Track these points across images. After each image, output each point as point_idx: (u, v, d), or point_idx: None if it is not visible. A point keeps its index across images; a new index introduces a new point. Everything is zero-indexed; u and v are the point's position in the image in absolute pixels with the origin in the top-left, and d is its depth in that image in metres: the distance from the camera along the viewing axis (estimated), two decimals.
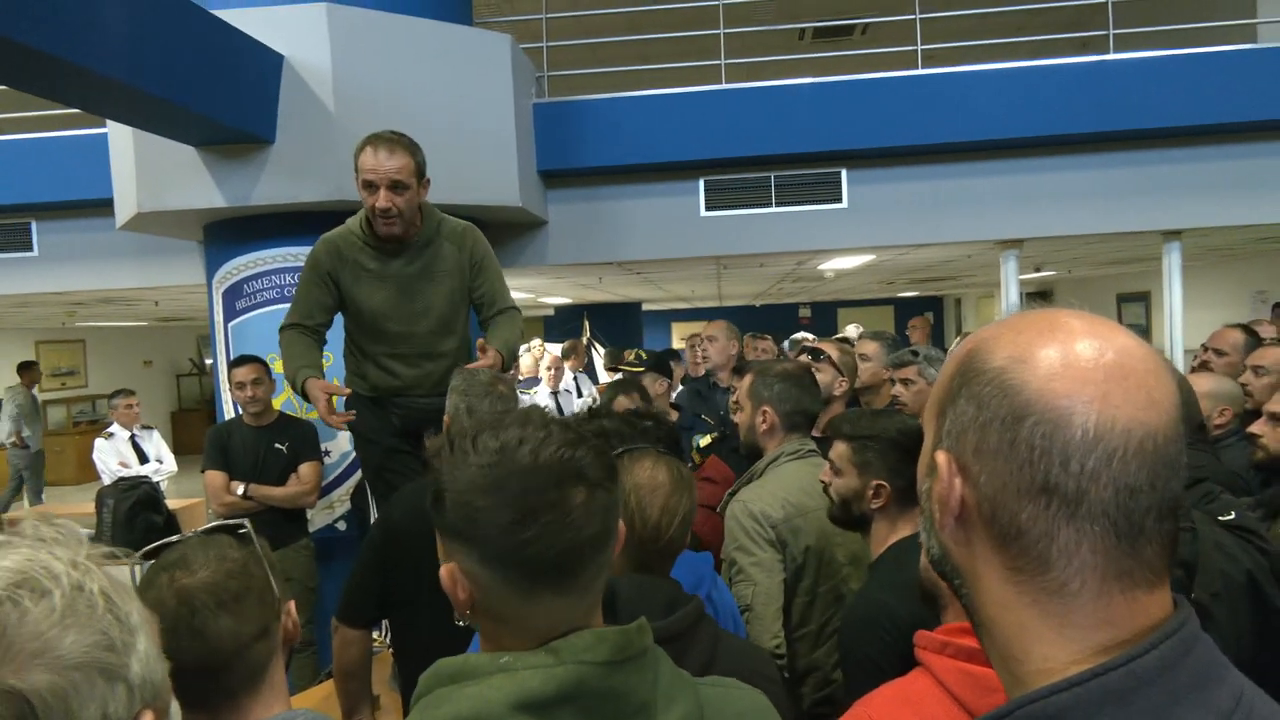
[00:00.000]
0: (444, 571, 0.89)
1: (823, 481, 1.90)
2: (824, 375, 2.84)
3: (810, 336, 5.90)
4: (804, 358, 2.90)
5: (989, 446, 0.61)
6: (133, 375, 12.70)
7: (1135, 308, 10.88)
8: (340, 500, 4.05)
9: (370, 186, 2.57)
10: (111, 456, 5.88)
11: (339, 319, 2.93)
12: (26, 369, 9.56)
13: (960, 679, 0.99)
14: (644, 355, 3.91)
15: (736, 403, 2.92)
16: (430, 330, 2.83)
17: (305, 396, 2.68)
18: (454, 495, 0.86)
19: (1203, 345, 3.53)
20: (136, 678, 0.67)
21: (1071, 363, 0.60)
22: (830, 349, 2.89)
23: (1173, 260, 5.11)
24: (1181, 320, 5.15)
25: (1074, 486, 0.58)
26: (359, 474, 3.98)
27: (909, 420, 1.82)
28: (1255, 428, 2.46)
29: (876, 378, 3.34)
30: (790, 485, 2.22)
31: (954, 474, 0.63)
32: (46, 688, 0.60)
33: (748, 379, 2.43)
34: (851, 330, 5.75)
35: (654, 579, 1.43)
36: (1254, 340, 3.32)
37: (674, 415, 3.86)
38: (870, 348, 3.33)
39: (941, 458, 0.64)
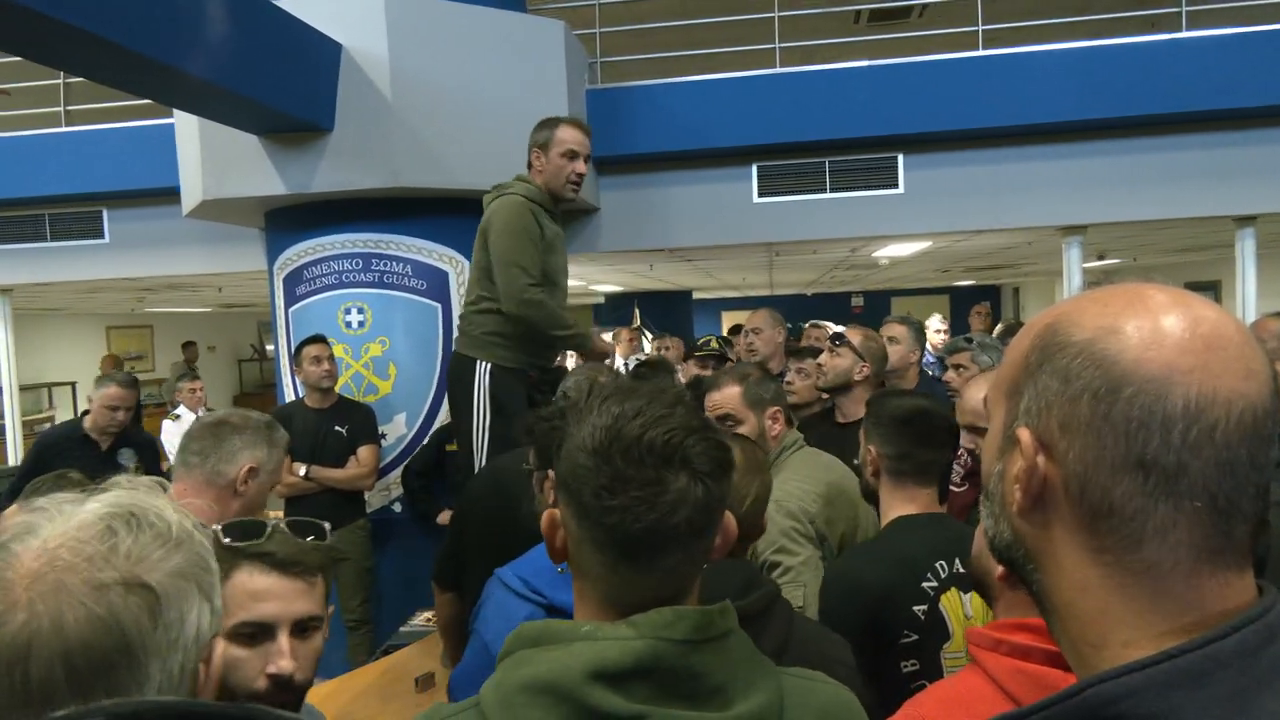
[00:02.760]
0: (546, 515, 0.92)
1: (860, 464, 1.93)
2: (843, 360, 2.84)
3: (831, 325, 5.87)
4: (825, 343, 2.90)
5: (1080, 420, 0.58)
6: (197, 360, 13.09)
7: (1204, 296, 10.51)
8: (396, 482, 4.13)
9: (574, 156, 3.03)
10: (178, 438, 6.06)
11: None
12: (110, 358, 9.93)
13: (1015, 677, 0.97)
14: (714, 341, 3.92)
15: (789, 383, 2.95)
16: (566, 286, 3.22)
17: (579, 348, 3.11)
18: (568, 448, 0.89)
19: None
20: (216, 604, 0.81)
21: (1168, 333, 0.57)
22: (854, 334, 2.88)
23: (1246, 247, 4.92)
24: (1255, 310, 4.95)
25: (1174, 460, 0.55)
26: (411, 456, 4.07)
27: (921, 400, 1.87)
28: None
29: (904, 361, 3.33)
30: (808, 475, 2.23)
31: (1038, 451, 0.61)
32: (168, 586, 0.75)
33: (739, 386, 2.35)
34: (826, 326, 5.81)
35: (731, 560, 1.44)
36: None
37: None
38: (898, 331, 3.31)
39: (1025, 434, 0.61)
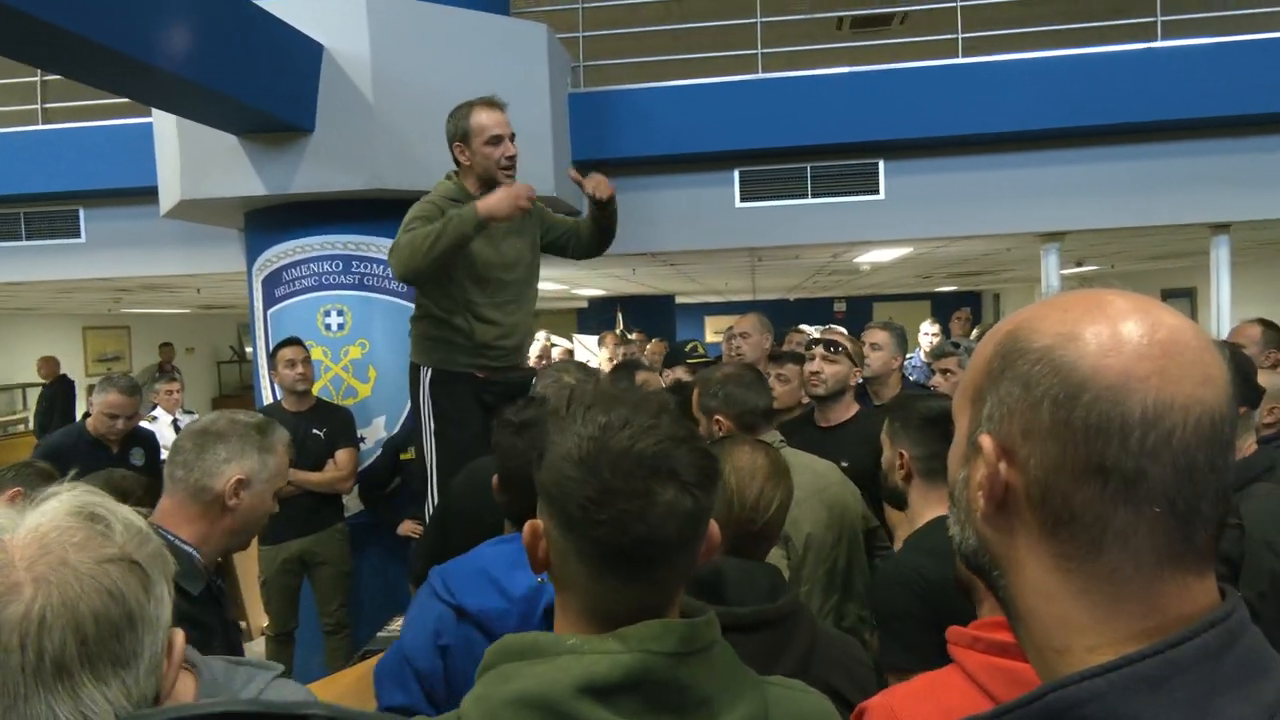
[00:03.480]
0: (528, 526, 0.91)
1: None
2: (840, 367, 2.84)
3: (805, 328, 5.88)
4: (818, 350, 2.88)
5: (1040, 427, 0.59)
6: (175, 361, 12.96)
7: (1180, 303, 10.63)
8: None
9: (498, 140, 2.84)
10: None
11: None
12: (47, 361, 9.73)
13: (992, 674, 0.97)
14: (700, 347, 3.92)
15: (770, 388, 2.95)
16: (519, 279, 3.05)
17: (479, 224, 2.68)
18: (550, 457, 0.87)
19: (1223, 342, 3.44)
20: (173, 591, 0.85)
21: (1126, 339, 0.58)
22: (850, 342, 2.89)
23: (1220, 254, 4.99)
24: (1230, 317, 5.02)
25: (1133, 466, 0.56)
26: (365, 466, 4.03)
27: (941, 399, 1.85)
28: None
29: (887, 367, 3.32)
30: None
31: (1000, 458, 0.61)
32: (149, 566, 0.82)
33: (695, 393, 2.43)
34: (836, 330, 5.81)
35: (758, 563, 1.44)
36: (1275, 334, 3.24)
37: None
38: (880, 337, 3.30)
39: (987, 441, 0.62)
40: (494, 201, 2.67)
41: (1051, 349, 0.59)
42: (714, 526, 0.91)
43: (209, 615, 1.64)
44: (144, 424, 6.10)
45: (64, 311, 11.63)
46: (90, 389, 4.08)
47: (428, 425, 2.99)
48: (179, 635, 0.85)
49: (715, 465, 0.90)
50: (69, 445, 3.91)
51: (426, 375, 2.98)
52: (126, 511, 0.85)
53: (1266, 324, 3.29)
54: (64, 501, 0.82)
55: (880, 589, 1.76)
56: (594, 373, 2.36)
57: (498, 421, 1.91)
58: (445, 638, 1.52)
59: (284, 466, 1.74)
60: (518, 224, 2.96)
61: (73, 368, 12.23)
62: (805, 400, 3.13)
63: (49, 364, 9.38)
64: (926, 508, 1.80)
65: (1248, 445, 1.79)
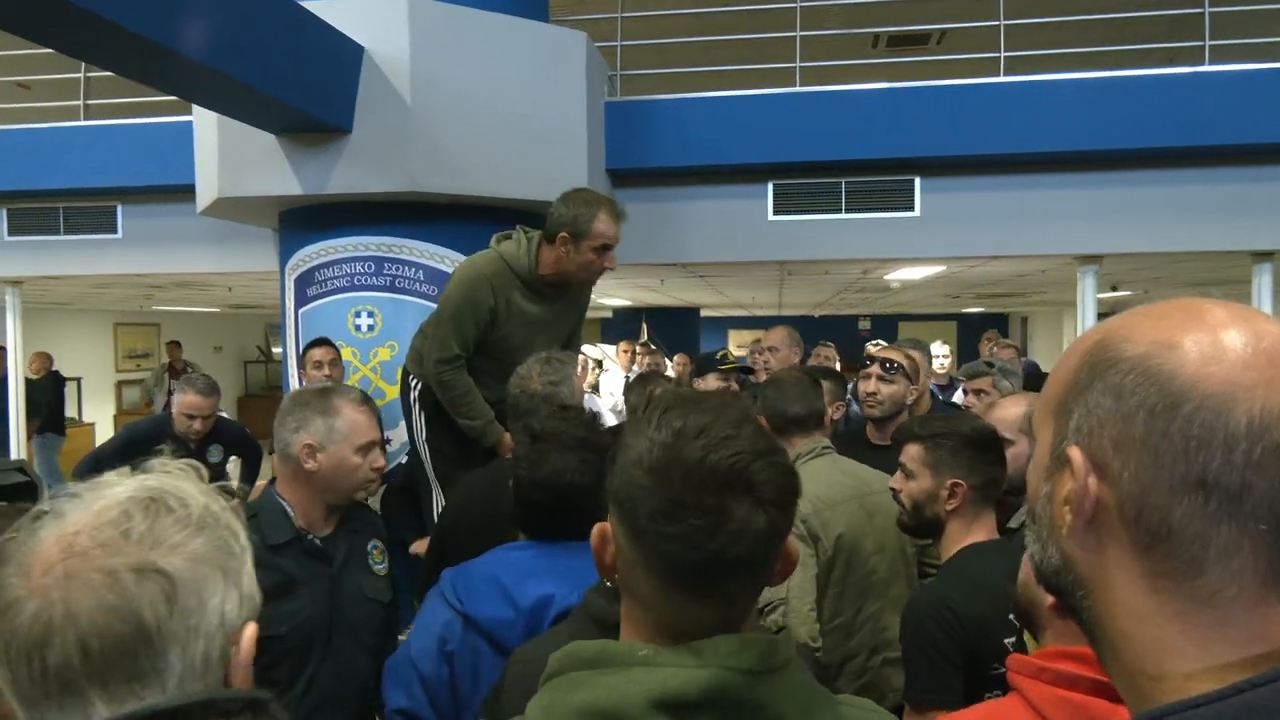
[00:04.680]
0: (597, 530, 0.88)
1: (893, 489, 1.86)
2: (896, 387, 2.79)
3: (881, 342, 5.82)
4: (874, 369, 2.84)
5: (1135, 438, 0.55)
6: (203, 360, 13.08)
7: (1265, 313, 10.47)
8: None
9: (606, 250, 2.75)
10: None
11: None
12: (40, 356, 9.87)
13: (1058, 706, 0.93)
14: (729, 355, 3.88)
15: None
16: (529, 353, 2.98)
17: (493, 446, 2.80)
18: (622, 462, 0.83)
19: None
20: (246, 589, 0.80)
21: (1229, 348, 0.54)
22: (898, 357, 2.83)
23: (1263, 282, 4.88)
24: None
25: (1238, 481, 0.52)
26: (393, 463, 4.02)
27: (979, 420, 1.79)
28: None
29: (922, 387, 3.26)
30: (814, 481, 2.21)
31: (1089, 472, 0.58)
32: (185, 571, 0.75)
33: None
34: (873, 348, 5.66)
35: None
36: None
37: None
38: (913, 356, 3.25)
39: (1076, 454, 0.58)
40: (504, 450, 2.69)
41: (1148, 357, 0.56)
42: (792, 543, 0.86)
43: (292, 563, 1.83)
44: None
45: (96, 308, 11.80)
46: (119, 385, 4.12)
47: (420, 434, 3.00)
48: (250, 630, 0.79)
49: (795, 482, 0.85)
50: (148, 435, 3.97)
51: (417, 386, 2.98)
52: (199, 497, 0.80)
53: None
54: (129, 487, 0.78)
55: (908, 620, 1.71)
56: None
57: (516, 429, 1.93)
58: (451, 644, 1.54)
59: (359, 422, 1.89)
60: (565, 313, 2.96)
61: (104, 363, 12.40)
62: (835, 417, 3.08)
63: (41, 359, 9.46)
64: (966, 535, 1.75)
65: None
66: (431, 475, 3.02)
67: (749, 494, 0.80)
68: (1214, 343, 0.55)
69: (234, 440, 4.35)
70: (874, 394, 2.82)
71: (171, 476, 0.82)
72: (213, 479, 0.86)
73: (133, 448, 3.85)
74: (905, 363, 2.78)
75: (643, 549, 0.81)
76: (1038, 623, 1.19)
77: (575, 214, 2.70)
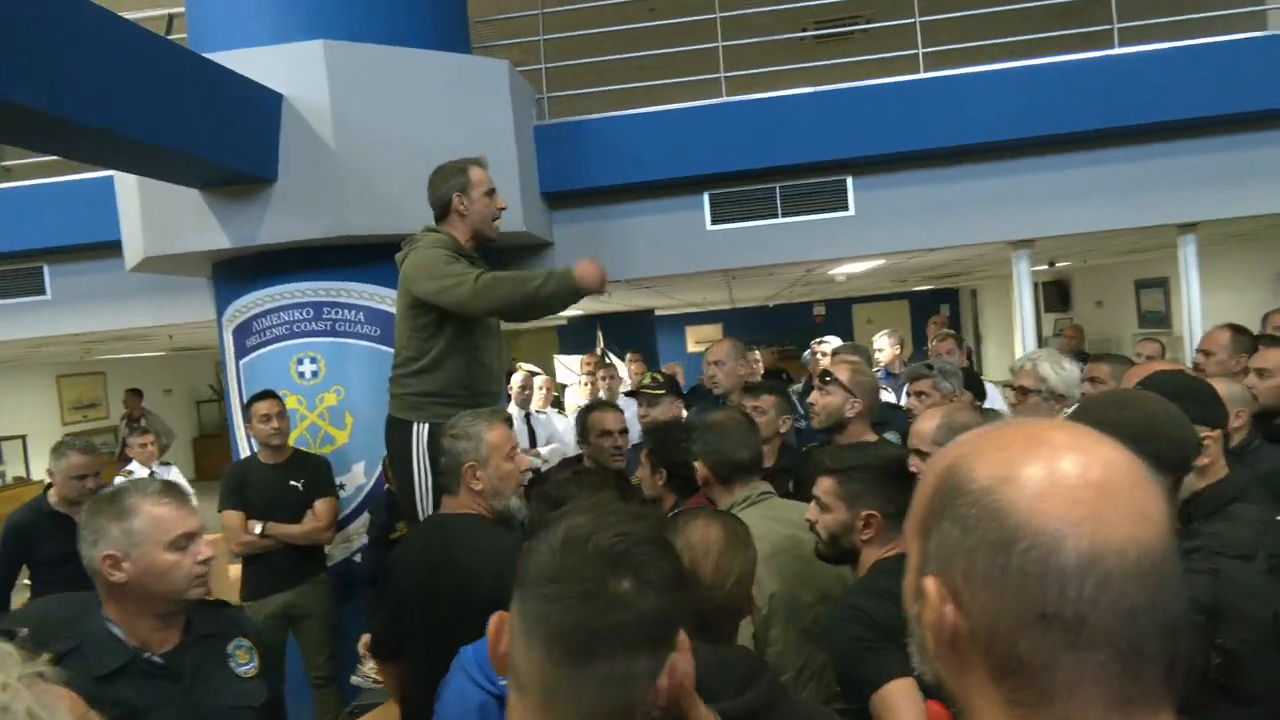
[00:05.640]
0: (495, 618, 0.93)
1: (809, 520, 1.88)
2: (833, 399, 2.82)
3: (832, 339, 5.85)
4: (817, 380, 2.88)
5: (979, 573, 0.58)
6: (154, 404, 12.78)
7: (1154, 293, 10.72)
8: (357, 533, 4.05)
9: (493, 192, 3.05)
10: None
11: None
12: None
13: None
14: (659, 377, 3.86)
15: None
16: (497, 326, 3.17)
17: (574, 293, 2.77)
18: (526, 550, 0.92)
19: (1198, 349, 3.45)
20: None
21: (1059, 481, 0.57)
22: (841, 370, 2.85)
23: (1188, 252, 5.04)
24: (1200, 311, 5.07)
25: (1073, 613, 0.55)
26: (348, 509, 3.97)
27: (892, 449, 1.82)
28: None
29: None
30: None
31: (945, 601, 0.60)
32: None
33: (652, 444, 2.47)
34: (830, 343, 5.73)
35: (733, 651, 1.42)
36: (1245, 339, 3.25)
37: None
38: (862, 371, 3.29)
39: (931, 585, 0.61)
40: (591, 277, 2.74)
41: (988, 491, 0.59)
42: (679, 662, 0.88)
43: (130, 691, 1.63)
44: (119, 478, 6.04)
45: (37, 362, 11.48)
46: (59, 444, 3.94)
47: (423, 481, 2.92)
48: None
49: (678, 570, 0.90)
50: (29, 522, 3.82)
51: (422, 430, 2.91)
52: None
53: (1236, 329, 3.31)
54: None
55: (831, 640, 1.75)
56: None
57: (534, 493, 1.96)
58: None
59: (161, 516, 1.70)
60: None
61: (49, 417, 12.07)
62: (783, 430, 3.12)
63: None
64: (875, 557, 1.78)
65: (1217, 468, 1.78)
66: None
67: (633, 574, 0.86)
68: (1048, 476, 0.57)
69: None
70: (812, 404, 2.90)
71: None
72: None
73: (18, 540, 3.77)
74: (846, 375, 2.81)
75: (526, 621, 0.87)
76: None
77: (451, 180, 3.01)
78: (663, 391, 3.73)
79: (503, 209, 3.09)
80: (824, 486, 1.84)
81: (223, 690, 1.75)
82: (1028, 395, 2.86)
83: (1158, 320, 10.19)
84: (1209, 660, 1.28)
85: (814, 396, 2.87)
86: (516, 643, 0.88)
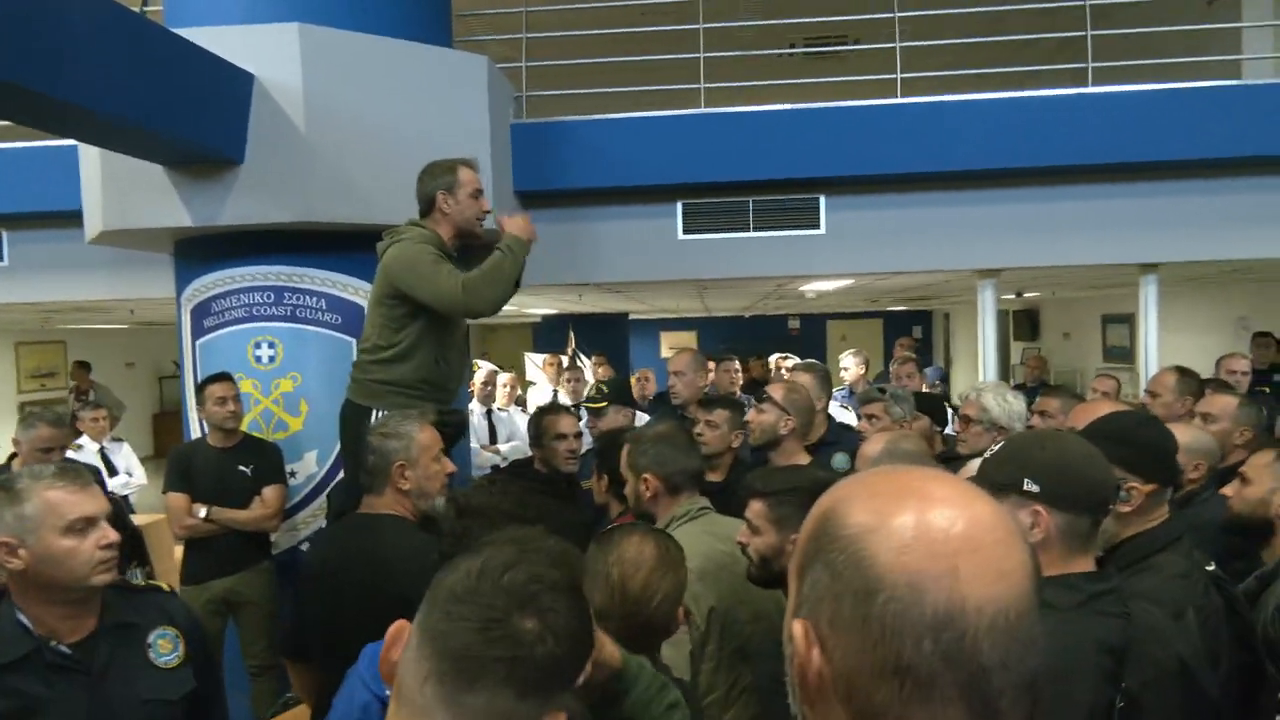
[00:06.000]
0: (396, 625, 0.94)
1: (740, 542, 1.89)
2: (767, 417, 2.86)
3: (792, 357, 5.91)
4: (755, 403, 2.92)
5: (843, 620, 0.58)
6: (115, 377, 12.60)
7: (1120, 329, 10.88)
8: (305, 522, 4.01)
9: (479, 194, 3.09)
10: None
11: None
12: None
13: None
14: (604, 388, 3.86)
15: (699, 434, 2.95)
16: (460, 320, 3.21)
17: (525, 249, 2.98)
18: (447, 569, 0.92)
19: (1145, 389, 3.51)
20: None
21: (923, 534, 0.57)
22: (776, 390, 2.91)
23: (1149, 292, 5.12)
24: (1157, 350, 5.15)
25: (927, 668, 0.55)
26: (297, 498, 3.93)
27: (821, 473, 1.83)
28: (1228, 489, 2.43)
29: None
30: (685, 550, 2.18)
31: (811, 645, 0.60)
32: None
33: (625, 449, 2.44)
34: (792, 359, 5.80)
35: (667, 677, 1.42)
36: (1192, 382, 3.31)
37: None
38: (804, 379, 3.34)
39: (798, 628, 0.61)
40: (525, 230, 2.98)
41: (855, 540, 0.59)
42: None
43: (32, 682, 1.60)
44: (70, 454, 5.92)
45: None
46: (24, 406, 3.87)
47: None
48: None
49: (583, 622, 0.92)
50: None
51: (379, 417, 2.89)
52: None
53: (1183, 372, 3.37)
54: None
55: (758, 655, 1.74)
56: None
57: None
58: None
59: (57, 500, 1.64)
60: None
61: (4, 385, 11.83)
62: (735, 445, 3.13)
63: None
64: None
65: (1148, 517, 1.80)
66: None
67: (538, 617, 0.86)
68: (914, 527, 0.58)
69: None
70: (748, 423, 2.96)
71: None
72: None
73: None
74: (781, 394, 2.85)
75: (423, 635, 0.87)
76: None
77: (438, 179, 3.04)
78: (605, 404, 3.74)
79: (488, 212, 3.11)
80: (754, 509, 1.84)
81: (136, 682, 1.70)
82: (970, 424, 2.91)
83: (1122, 355, 10.33)
84: (1113, 702, 1.31)
85: (750, 415, 2.91)
86: (408, 653, 0.88)
